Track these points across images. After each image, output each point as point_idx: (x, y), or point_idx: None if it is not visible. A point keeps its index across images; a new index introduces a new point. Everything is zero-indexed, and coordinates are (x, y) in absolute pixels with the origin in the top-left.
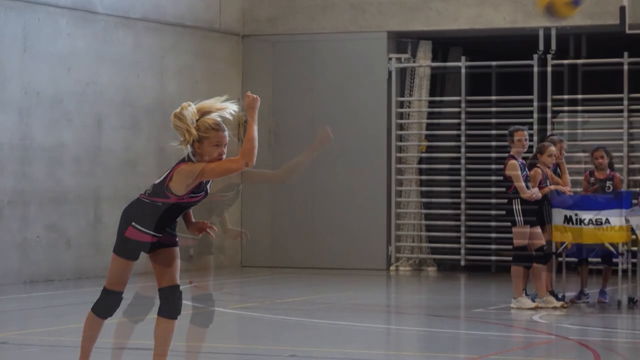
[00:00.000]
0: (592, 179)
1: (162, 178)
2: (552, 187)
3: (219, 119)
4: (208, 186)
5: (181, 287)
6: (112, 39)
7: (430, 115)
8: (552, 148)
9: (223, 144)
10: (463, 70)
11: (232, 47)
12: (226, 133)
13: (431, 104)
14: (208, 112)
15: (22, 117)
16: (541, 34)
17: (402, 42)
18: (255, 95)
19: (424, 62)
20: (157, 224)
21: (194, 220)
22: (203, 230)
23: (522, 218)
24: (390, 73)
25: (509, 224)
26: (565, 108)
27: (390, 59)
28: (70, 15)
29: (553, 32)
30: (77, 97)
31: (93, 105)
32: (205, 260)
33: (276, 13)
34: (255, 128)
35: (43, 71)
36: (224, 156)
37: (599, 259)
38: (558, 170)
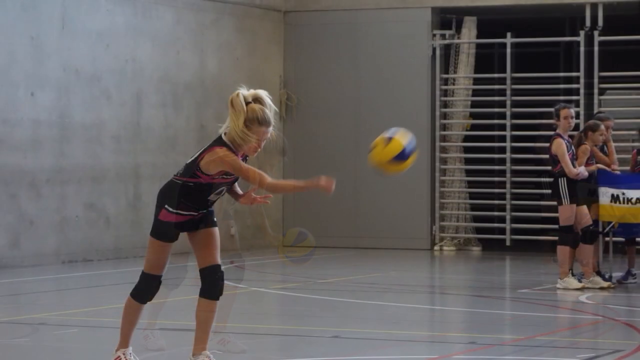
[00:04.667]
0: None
1: (194, 157)
2: (600, 165)
3: (268, 113)
4: None
5: (223, 267)
6: (152, 15)
7: (475, 92)
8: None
9: (262, 139)
10: (509, 47)
11: (273, 23)
12: (269, 129)
13: (476, 81)
14: (260, 100)
15: (61, 95)
16: (588, 9)
17: (446, 18)
18: (332, 187)
19: (468, 38)
20: (190, 203)
21: (241, 192)
22: (256, 201)
23: (568, 197)
24: (434, 49)
25: (555, 203)
26: (612, 85)
27: (434, 35)
28: None
29: (600, 8)
30: (116, 74)
31: (132, 82)
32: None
33: None
34: (297, 189)
35: (82, 48)
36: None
37: None
38: (605, 148)
